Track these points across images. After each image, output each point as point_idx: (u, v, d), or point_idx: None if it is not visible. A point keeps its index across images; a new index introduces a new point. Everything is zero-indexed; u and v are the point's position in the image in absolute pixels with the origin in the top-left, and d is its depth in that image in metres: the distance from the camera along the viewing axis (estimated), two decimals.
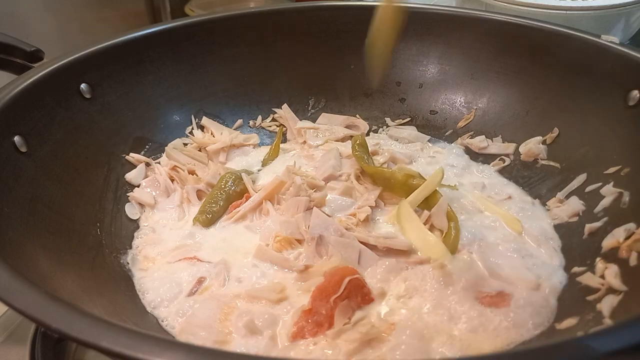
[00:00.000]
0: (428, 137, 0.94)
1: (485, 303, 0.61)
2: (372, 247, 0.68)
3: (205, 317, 0.59)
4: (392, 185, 0.77)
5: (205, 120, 0.94)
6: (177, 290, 0.65)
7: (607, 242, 0.64)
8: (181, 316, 0.61)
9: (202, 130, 0.94)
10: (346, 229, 0.70)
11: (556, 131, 0.82)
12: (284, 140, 0.96)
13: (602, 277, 0.60)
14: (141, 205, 0.79)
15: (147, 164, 0.84)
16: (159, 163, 0.85)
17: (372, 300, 0.61)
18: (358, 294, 0.60)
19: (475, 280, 0.63)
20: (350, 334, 0.55)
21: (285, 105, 0.98)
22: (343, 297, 0.58)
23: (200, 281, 0.65)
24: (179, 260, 0.69)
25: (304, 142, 0.94)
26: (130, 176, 0.81)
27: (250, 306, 0.61)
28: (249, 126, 0.98)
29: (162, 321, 0.61)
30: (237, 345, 0.57)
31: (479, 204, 0.77)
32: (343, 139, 0.94)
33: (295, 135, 0.96)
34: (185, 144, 0.90)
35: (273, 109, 0.99)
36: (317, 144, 0.93)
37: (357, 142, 0.85)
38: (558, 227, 0.73)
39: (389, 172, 0.77)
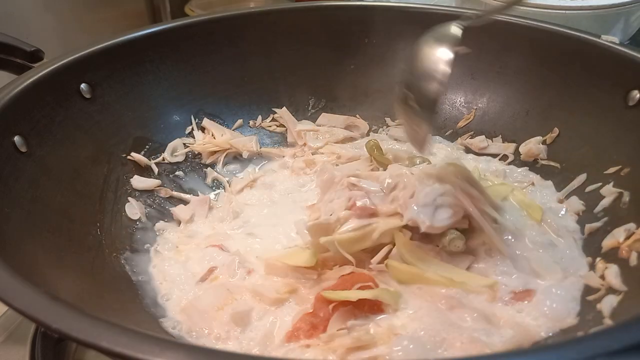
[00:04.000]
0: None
1: (510, 301, 0.60)
2: None
3: (206, 303, 0.61)
4: None
5: (206, 122, 0.93)
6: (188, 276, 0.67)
7: (607, 242, 0.64)
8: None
9: (203, 131, 0.93)
10: None
11: (556, 131, 0.82)
12: (285, 144, 0.96)
13: (602, 277, 0.60)
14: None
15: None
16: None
17: (382, 311, 0.58)
18: (366, 303, 0.58)
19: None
20: (343, 339, 0.54)
21: (284, 108, 0.98)
22: (347, 303, 0.57)
23: (211, 270, 0.67)
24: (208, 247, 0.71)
25: (304, 144, 0.94)
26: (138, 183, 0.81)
27: (254, 302, 0.61)
28: (249, 126, 0.98)
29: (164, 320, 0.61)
30: (225, 338, 0.58)
31: (503, 192, 0.75)
32: (343, 141, 0.94)
33: (295, 137, 0.96)
34: (185, 144, 0.90)
35: (273, 109, 0.99)
36: (317, 145, 0.93)
37: (372, 144, 0.84)
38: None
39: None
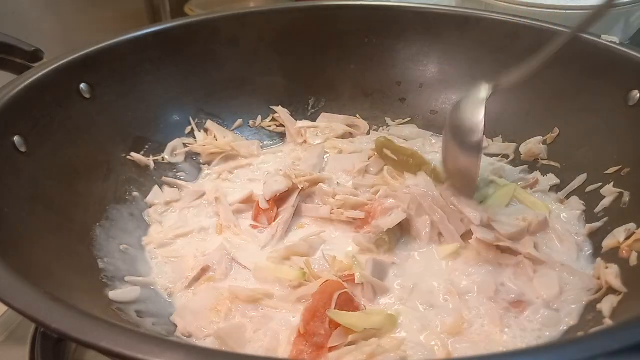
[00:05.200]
0: (430, 133, 0.94)
1: (503, 308, 0.60)
2: None
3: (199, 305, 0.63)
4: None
5: (209, 124, 0.93)
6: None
7: (608, 242, 0.64)
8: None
9: (206, 132, 0.93)
10: None
11: (556, 131, 0.82)
12: (283, 141, 0.97)
13: (602, 277, 0.60)
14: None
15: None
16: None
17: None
18: (350, 309, 0.58)
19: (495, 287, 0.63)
20: (355, 355, 0.53)
21: (280, 107, 0.98)
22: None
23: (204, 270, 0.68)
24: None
25: (304, 141, 0.94)
26: (150, 199, 0.82)
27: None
28: (249, 126, 0.98)
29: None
30: None
31: (509, 193, 0.76)
32: (343, 136, 0.95)
33: (295, 136, 0.96)
34: (184, 144, 0.90)
35: (272, 107, 0.98)
36: (317, 142, 0.93)
37: (381, 141, 0.85)
38: None
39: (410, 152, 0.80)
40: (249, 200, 0.79)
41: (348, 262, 0.66)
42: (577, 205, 0.73)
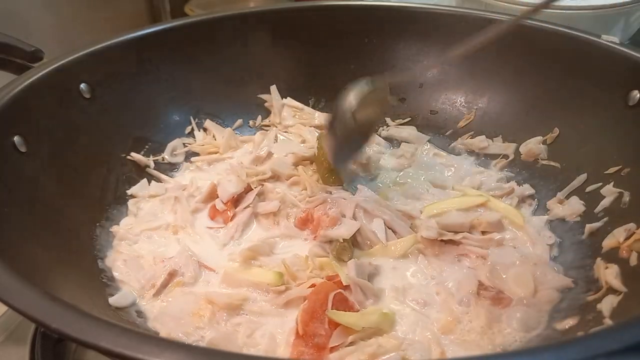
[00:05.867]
0: (428, 137, 0.94)
1: (488, 305, 0.61)
2: None
3: (178, 310, 0.61)
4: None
5: (208, 123, 0.94)
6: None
7: (607, 242, 0.64)
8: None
9: (205, 132, 0.94)
10: None
11: (556, 131, 0.82)
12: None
13: (602, 277, 0.60)
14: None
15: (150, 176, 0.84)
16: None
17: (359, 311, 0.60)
18: (345, 308, 0.58)
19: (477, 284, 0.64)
20: (356, 355, 0.53)
21: (273, 87, 0.98)
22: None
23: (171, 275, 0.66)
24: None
25: (280, 122, 0.96)
26: (134, 190, 0.81)
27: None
28: (249, 126, 0.98)
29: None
30: None
31: (479, 201, 0.77)
32: (319, 126, 0.95)
33: (275, 116, 0.96)
34: (185, 144, 0.90)
35: (260, 96, 0.98)
36: (287, 124, 0.94)
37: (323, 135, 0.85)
38: (558, 227, 0.73)
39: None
40: (214, 192, 0.78)
41: (321, 262, 0.65)
42: (577, 205, 0.73)
